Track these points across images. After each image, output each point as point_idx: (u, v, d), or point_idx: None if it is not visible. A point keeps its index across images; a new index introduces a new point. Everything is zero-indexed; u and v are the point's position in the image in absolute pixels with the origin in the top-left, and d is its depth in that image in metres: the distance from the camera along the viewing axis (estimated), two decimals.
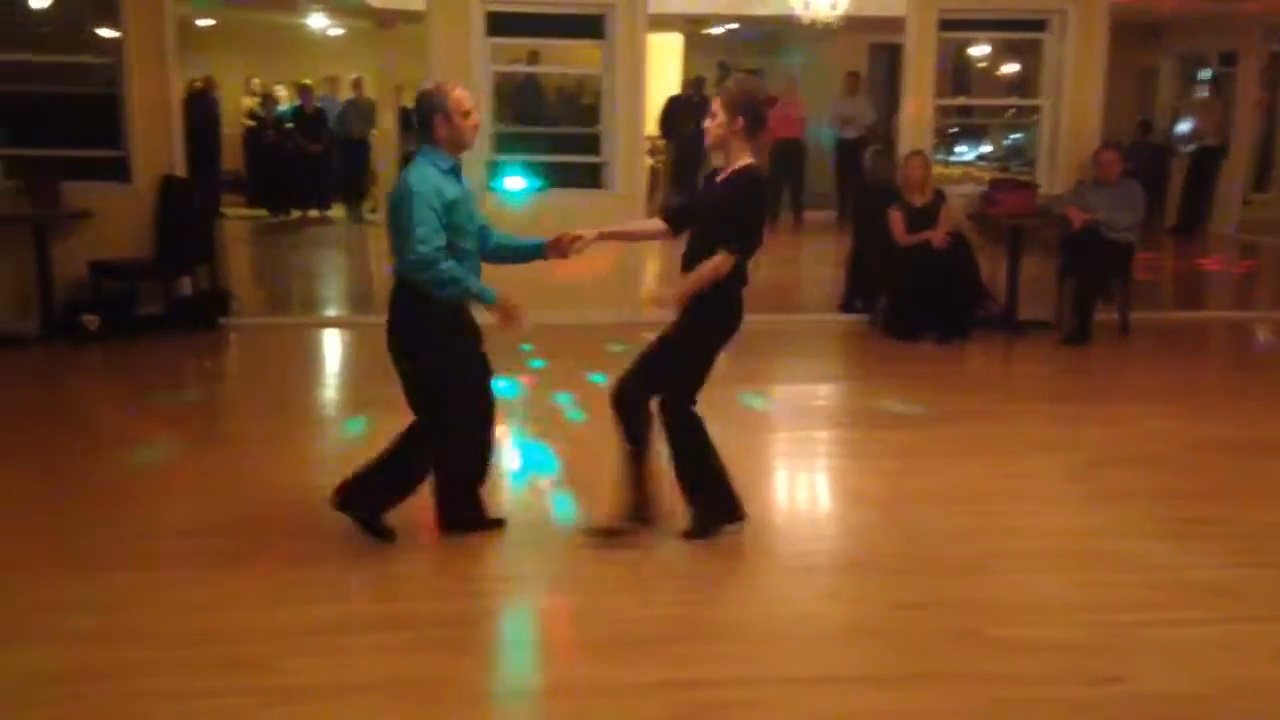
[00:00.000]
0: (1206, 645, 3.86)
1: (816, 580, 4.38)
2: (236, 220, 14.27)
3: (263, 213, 14.91)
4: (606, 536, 4.54)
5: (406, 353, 4.37)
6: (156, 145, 8.34)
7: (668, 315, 4.49)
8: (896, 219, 8.54)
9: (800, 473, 5.86)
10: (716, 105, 4.40)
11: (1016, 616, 4.03)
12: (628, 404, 4.46)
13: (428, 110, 4.31)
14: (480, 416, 4.54)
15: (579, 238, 4.51)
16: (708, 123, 4.43)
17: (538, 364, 7.45)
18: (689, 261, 4.46)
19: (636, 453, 4.48)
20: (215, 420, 6.63)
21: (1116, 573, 4.42)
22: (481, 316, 4.45)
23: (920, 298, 8.42)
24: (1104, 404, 7.04)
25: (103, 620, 3.88)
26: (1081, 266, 8.56)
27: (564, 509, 5.01)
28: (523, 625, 4.05)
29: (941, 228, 8.49)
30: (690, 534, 4.57)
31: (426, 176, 4.24)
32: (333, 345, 8.52)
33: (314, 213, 14.92)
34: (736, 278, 4.44)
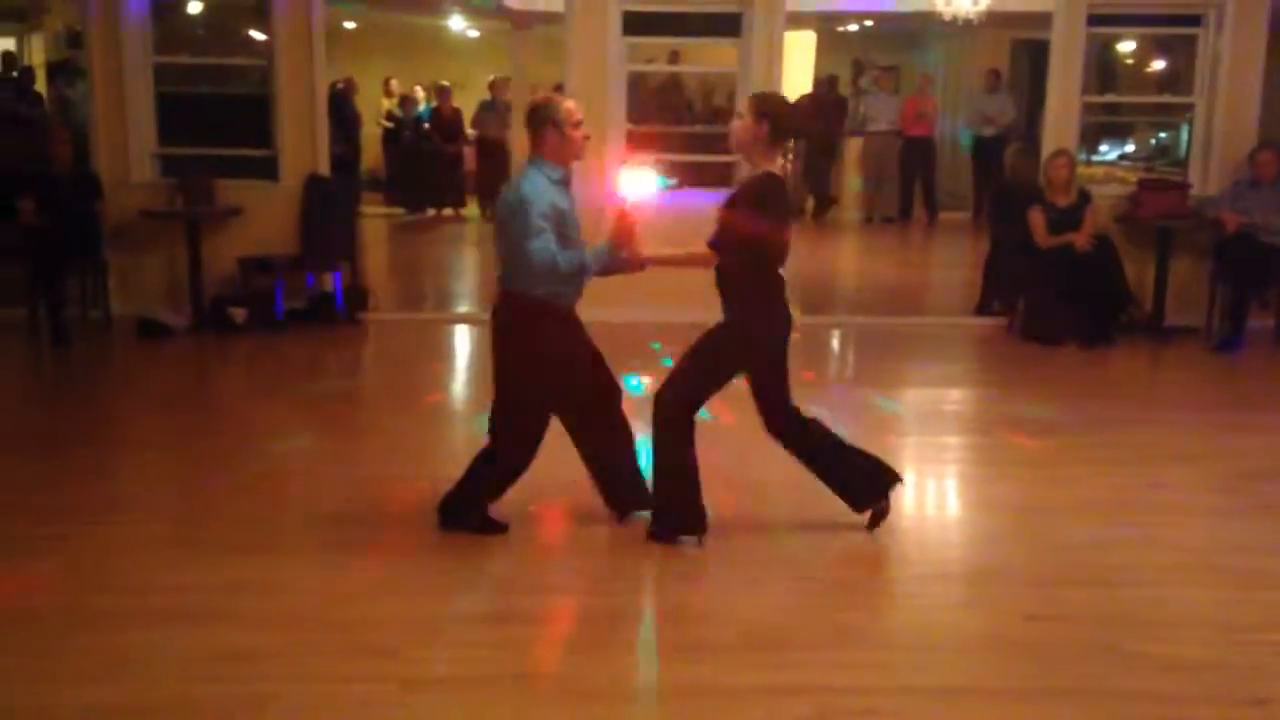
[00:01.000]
0: None
1: (950, 589, 4.29)
2: (374, 218, 14.65)
3: (399, 211, 15.28)
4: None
5: (501, 364, 4.44)
6: (303, 145, 8.62)
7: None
8: (1038, 220, 8.32)
9: (933, 479, 5.74)
10: (745, 108, 4.40)
11: (1157, 632, 3.89)
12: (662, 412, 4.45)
13: (539, 121, 4.36)
14: (609, 409, 4.59)
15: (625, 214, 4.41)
16: (734, 124, 4.43)
17: (666, 362, 7.47)
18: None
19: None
20: (353, 412, 6.81)
21: (1265, 590, 4.23)
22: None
23: (1062, 302, 8.18)
24: (1257, 413, 6.74)
25: (236, 603, 4.01)
26: (1236, 271, 8.22)
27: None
28: (649, 624, 4.05)
29: (1086, 230, 8.24)
30: (653, 536, 4.52)
31: (538, 187, 4.29)
32: (464, 341, 8.68)
33: (449, 211, 15.23)
34: (764, 283, 4.38)
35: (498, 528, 4.59)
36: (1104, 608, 4.07)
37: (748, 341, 4.45)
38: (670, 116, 14.03)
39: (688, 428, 4.46)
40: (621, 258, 4.42)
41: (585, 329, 4.56)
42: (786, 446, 4.60)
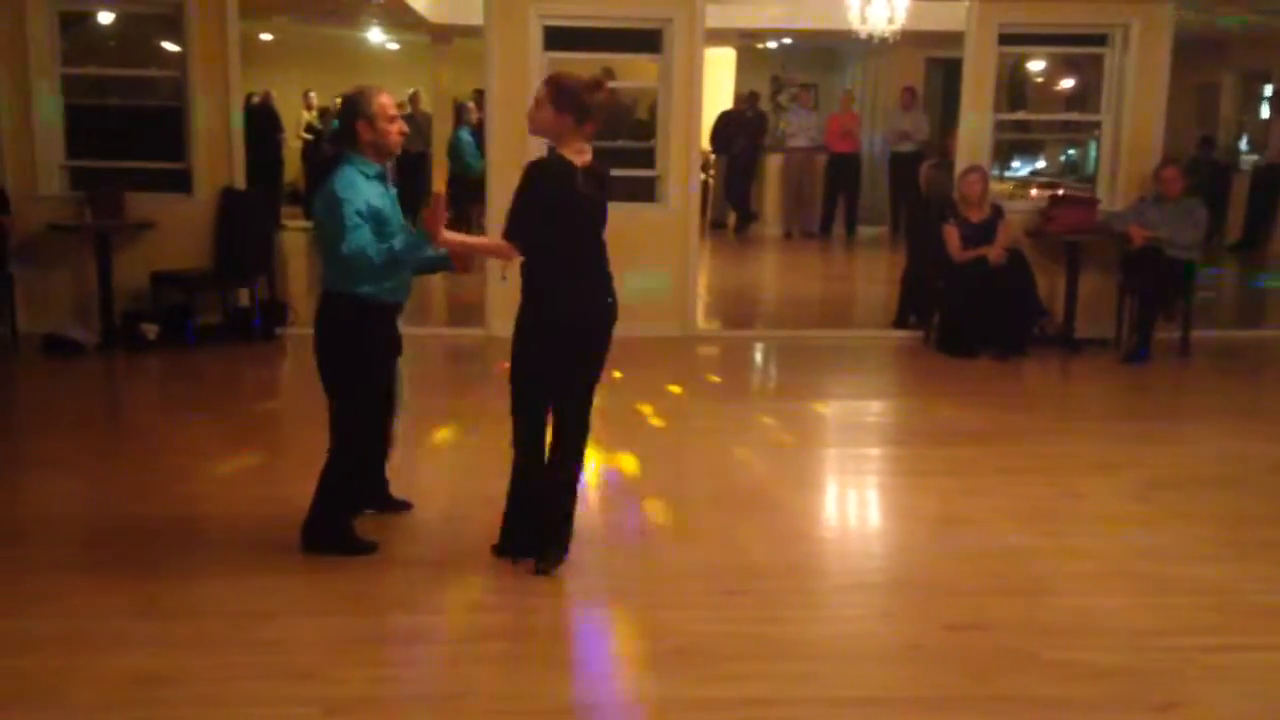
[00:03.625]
0: (1270, 671, 3.78)
1: (871, 599, 4.34)
2: (295, 232, 14.43)
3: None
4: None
5: (330, 367, 4.40)
6: (217, 158, 8.47)
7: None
8: (952, 234, 8.47)
9: (853, 490, 5.81)
10: (541, 92, 4.19)
11: (1073, 640, 3.97)
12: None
13: (351, 115, 4.29)
14: (375, 433, 4.59)
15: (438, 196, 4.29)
16: (530, 109, 4.24)
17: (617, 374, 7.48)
18: None
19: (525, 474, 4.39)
20: (270, 429, 6.70)
21: (1177, 596, 4.34)
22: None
23: (976, 314, 8.33)
24: (1165, 423, 6.93)
25: (158, 627, 3.92)
26: (1142, 284, 8.44)
27: (622, 522, 5.00)
28: (583, 640, 4.03)
29: (999, 244, 8.41)
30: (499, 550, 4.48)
31: (353, 183, 4.23)
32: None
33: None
34: (544, 278, 4.19)
35: (364, 547, 4.50)
36: (1022, 616, 4.13)
37: (526, 338, 4.25)
38: (606, 133, 14.02)
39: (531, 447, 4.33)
40: (440, 254, 4.34)
41: (400, 349, 4.57)
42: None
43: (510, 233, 4.16)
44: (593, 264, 4.30)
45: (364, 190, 4.22)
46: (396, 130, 4.32)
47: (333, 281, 4.32)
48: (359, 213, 4.17)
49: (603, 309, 4.32)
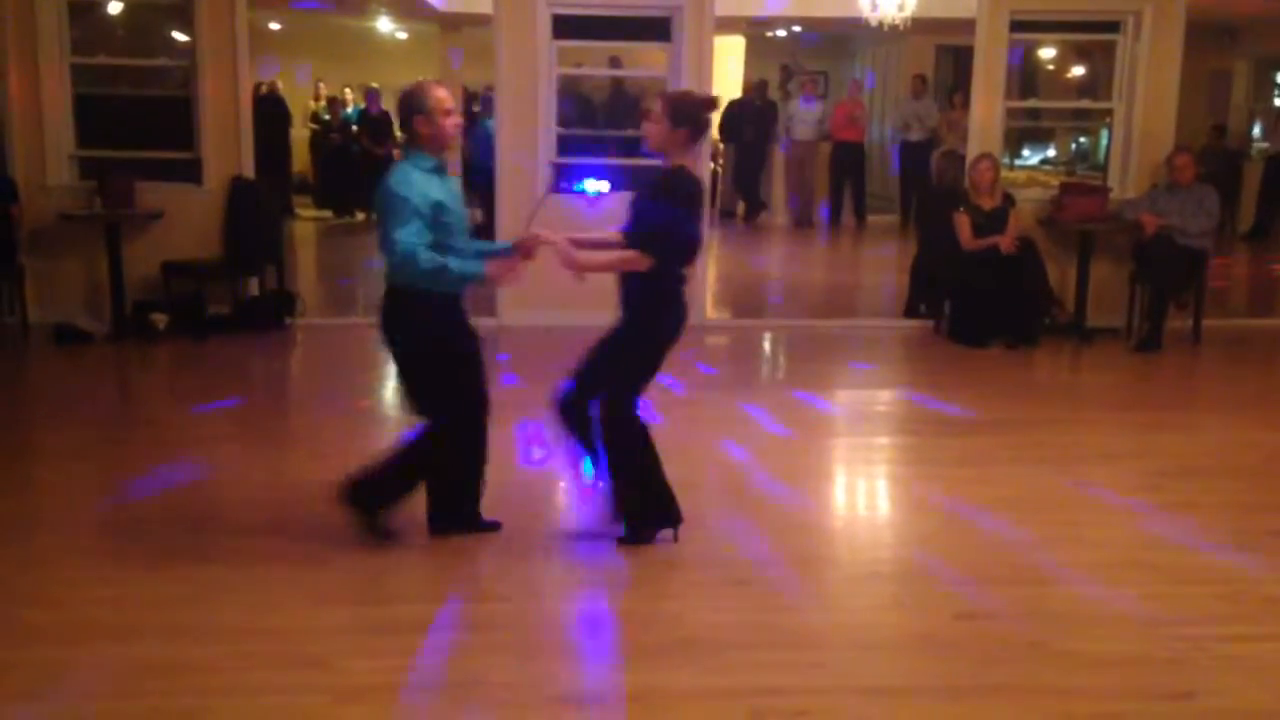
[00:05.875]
0: None
1: (880, 588, 4.33)
2: (304, 221, 14.48)
3: (329, 214, 15.09)
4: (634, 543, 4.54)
5: (402, 354, 4.38)
6: (227, 147, 8.48)
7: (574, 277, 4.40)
8: (963, 223, 8.44)
9: (863, 479, 5.80)
10: (657, 108, 4.35)
11: (1084, 629, 3.96)
12: (577, 410, 4.47)
13: (408, 111, 4.28)
14: (475, 419, 4.54)
15: (537, 237, 4.42)
16: (646, 126, 4.39)
17: None
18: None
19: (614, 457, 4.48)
20: (280, 419, 6.71)
21: (1188, 585, 4.32)
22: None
23: (987, 303, 8.31)
24: (1176, 412, 6.91)
25: (168, 616, 3.93)
26: (1154, 272, 8.41)
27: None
28: (592, 630, 4.03)
29: (1010, 233, 8.38)
30: (625, 540, 4.54)
31: (409, 179, 4.21)
32: None
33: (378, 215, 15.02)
34: (671, 278, 4.37)
35: (388, 535, 4.51)
36: (1032, 606, 4.13)
37: (650, 331, 4.43)
38: (612, 121, 13.95)
39: (637, 423, 4.44)
40: (480, 272, 4.34)
41: (476, 334, 4.52)
42: (567, 426, 4.54)
43: (652, 248, 4.29)
44: (689, 268, 4.53)
45: (420, 185, 4.22)
46: (453, 124, 4.33)
47: (393, 276, 4.30)
48: (414, 209, 4.16)
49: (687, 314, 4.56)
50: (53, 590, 4.14)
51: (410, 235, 4.13)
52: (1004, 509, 5.08)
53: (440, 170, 4.34)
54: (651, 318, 4.40)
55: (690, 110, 4.36)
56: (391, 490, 4.51)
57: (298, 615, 3.95)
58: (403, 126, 4.35)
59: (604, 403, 4.42)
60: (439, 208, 4.22)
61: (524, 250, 4.46)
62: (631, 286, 4.37)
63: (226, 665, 3.60)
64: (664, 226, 4.28)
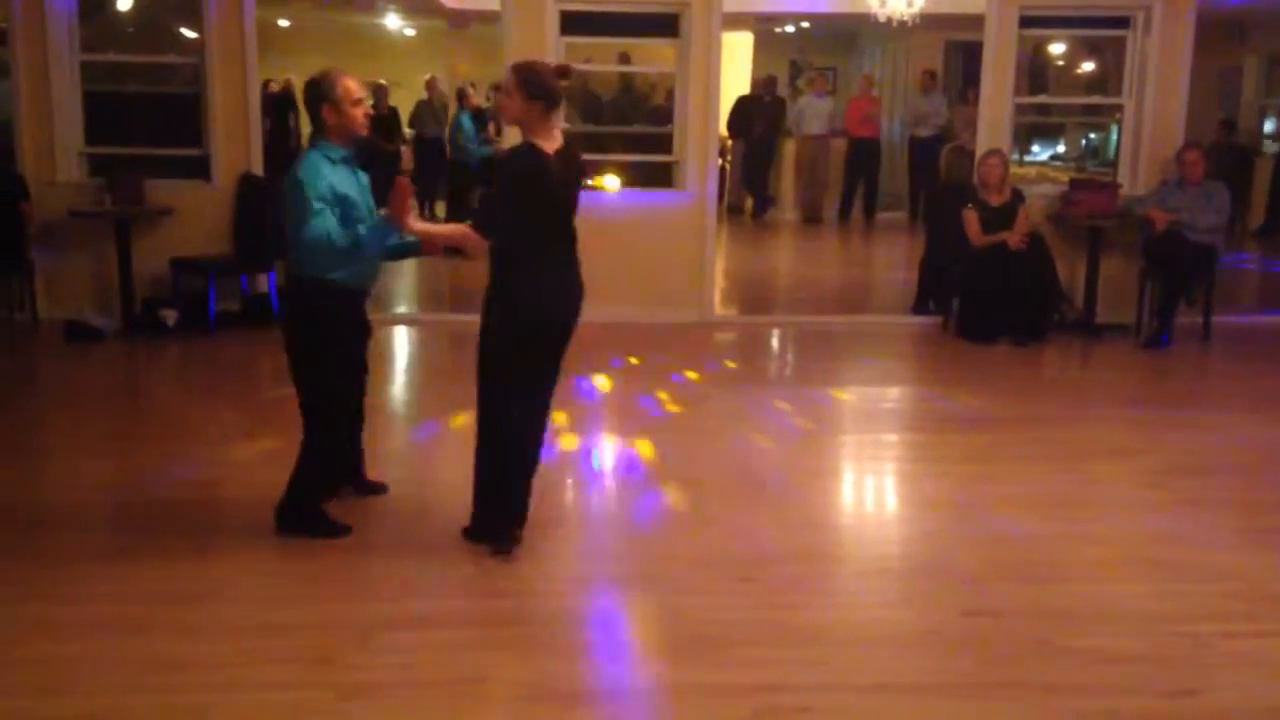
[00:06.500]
0: None
1: (887, 585, 4.33)
2: None
3: None
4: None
5: (299, 352, 4.42)
6: (236, 144, 8.50)
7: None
8: (972, 219, 8.42)
9: (870, 476, 5.80)
10: (509, 80, 4.21)
11: (1090, 625, 3.95)
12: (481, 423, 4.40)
13: (315, 99, 4.25)
14: (348, 417, 4.61)
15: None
16: (499, 98, 4.31)
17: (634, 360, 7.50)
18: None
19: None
20: (288, 415, 6.70)
21: (1195, 583, 4.32)
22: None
23: (996, 300, 8.30)
24: (1185, 409, 6.89)
25: (175, 612, 3.95)
26: (1164, 269, 8.39)
27: (638, 510, 5.01)
28: (598, 626, 4.04)
29: (1019, 229, 8.36)
30: (469, 534, 4.50)
31: (316, 168, 4.19)
32: (402, 342, 8.60)
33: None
34: (517, 268, 4.19)
35: (338, 530, 4.53)
36: (1038, 602, 4.12)
37: (500, 325, 4.26)
38: (620, 118, 13.97)
39: (505, 424, 4.34)
40: (409, 240, 4.34)
41: (369, 331, 4.56)
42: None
43: (482, 225, 4.19)
44: (562, 253, 4.31)
45: (327, 175, 4.19)
46: (362, 114, 4.29)
47: (298, 266, 4.30)
48: (321, 198, 4.14)
49: (571, 301, 4.35)
50: (60, 586, 4.15)
51: (319, 222, 4.11)
52: (1011, 506, 5.08)
53: (349, 161, 4.33)
54: (500, 303, 4.24)
55: (540, 81, 4.17)
56: (308, 496, 4.53)
57: (303, 612, 3.96)
58: (310, 116, 4.31)
59: (479, 399, 4.36)
60: (345, 200, 4.22)
61: (431, 248, 4.52)
62: (490, 269, 4.28)
63: (232, 662, 3.61)
64: (487, 204, 4.16)
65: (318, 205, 4.13)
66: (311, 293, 4.31)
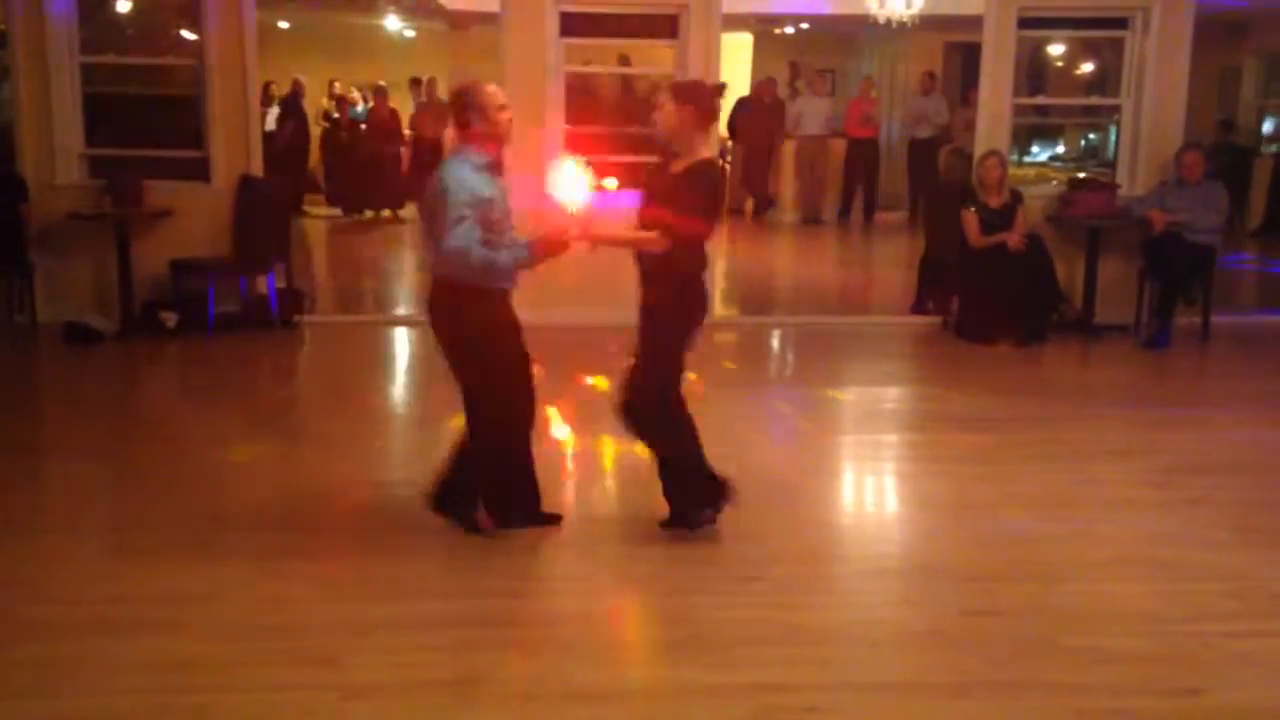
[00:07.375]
0: None
1: (889, 585, 4.33)
2: (314, 220, 14.49)
3: (338, 212, 15.12)
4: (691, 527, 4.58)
5: (452, 349, 4.41)
6: (235, 146, 8.49)
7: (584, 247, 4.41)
8: (971, 220, 8.42)
9: (871, 476, 5.80)
10: (664, 96, 4.39)
11: (1092, 625, 3.96)
12: (637, 415, 4.52)
13: (462, 108, 4.32)
14: (522, 411, 4.56)
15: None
16: (656, 114, 4.42)
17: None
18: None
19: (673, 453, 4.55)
20: (289, 416, 6.72)
21: (1196, 582, 4.31)
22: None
23: (995, 300, 8.30)
24: (1185, 409, 6.89)
25: (178, 612, 3.94)
26: (1163, 269, 8.39)
27: (638, 510, 5.01)
28: (599, 626, 4.04)
29: (1018, 229, 8.36)
30: (667, 524, 4.59)
31: (462, 175, 4.24)
32: (402, 343, 8.61)
33: (386, 213, 15.05)
34: (691, 264, 4.41)
35: (550, 519, 4.62)
36: (1040, 602, 4.12)
37: (671, 320, 4.47)
38: (620, 118, 13.96)
39: (676, 412, 4.51)
40: (541, 256, 4.36)
41: (519, 327, 4.52)
42: (631, 428, 4.59)
43: (704, 224, 4.35)
44: None
45: (471, 182, 4.24)
46: (507, 119, 4.36)
47: (439, 268, 4.33)
48: (466, 203, 4.19)
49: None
50: (62, 586, 4.15)
51: (463, 231, 4.16)
52: (1012, 505, 5.08)
53: (492, 167, 4.37)
54: (671, 305, 4.43)
55: (708, 100, 4.41)
56: (469, 488, 4.54)
57: (306, 612, 3.96)
58: (458, 124, 4.38)
59: (637, 394, 4.49)
60: (490, 205, 4.26)
61: (549, 251, 4.46)
62: (649, 272, 4.40)
63: (234, 661, 3.62)
64: (686, 212, 4.29)
65: (464, 212, 4.18)
66: (453, 292, 4.33)
